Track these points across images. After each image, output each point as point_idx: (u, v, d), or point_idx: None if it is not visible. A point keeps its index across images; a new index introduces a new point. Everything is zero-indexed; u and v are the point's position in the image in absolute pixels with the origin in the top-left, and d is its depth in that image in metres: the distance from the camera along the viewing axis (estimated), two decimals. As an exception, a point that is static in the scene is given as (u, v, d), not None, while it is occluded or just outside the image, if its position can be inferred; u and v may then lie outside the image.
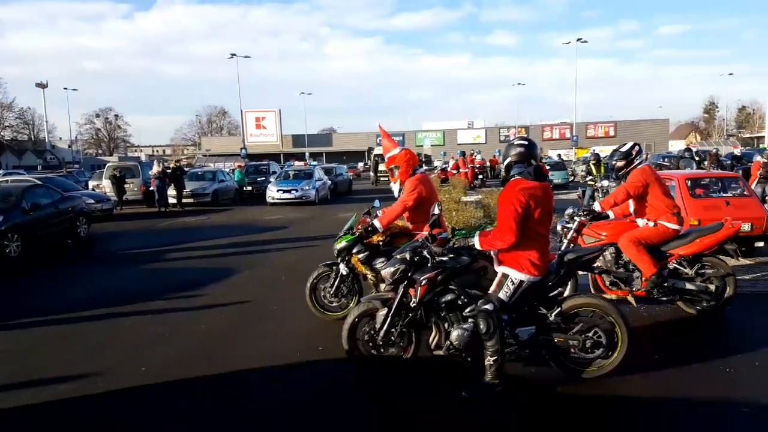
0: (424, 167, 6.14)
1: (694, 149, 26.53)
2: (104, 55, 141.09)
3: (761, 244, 8.87)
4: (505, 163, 4.28)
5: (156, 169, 20.71)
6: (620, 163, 6.15)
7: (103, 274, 9.67)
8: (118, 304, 7.31)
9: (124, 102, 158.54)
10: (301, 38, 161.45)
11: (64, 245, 12.86)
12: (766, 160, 13.38)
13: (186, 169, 25.51)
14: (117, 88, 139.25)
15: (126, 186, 21.13)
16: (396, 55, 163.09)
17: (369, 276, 5.69)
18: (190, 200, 21.99)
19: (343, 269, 5.98)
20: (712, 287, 5.86)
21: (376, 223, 5.62)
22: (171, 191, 21.03)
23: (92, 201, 17.31)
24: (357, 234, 5.79)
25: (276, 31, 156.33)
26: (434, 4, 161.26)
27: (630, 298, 4.34)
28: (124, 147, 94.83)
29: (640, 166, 6.08)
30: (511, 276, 4.13)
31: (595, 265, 4.56)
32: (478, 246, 4.20)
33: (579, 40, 52.69)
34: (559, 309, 4.26)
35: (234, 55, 52.55)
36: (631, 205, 6.14)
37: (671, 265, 5.93)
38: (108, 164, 24.43)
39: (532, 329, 4.20)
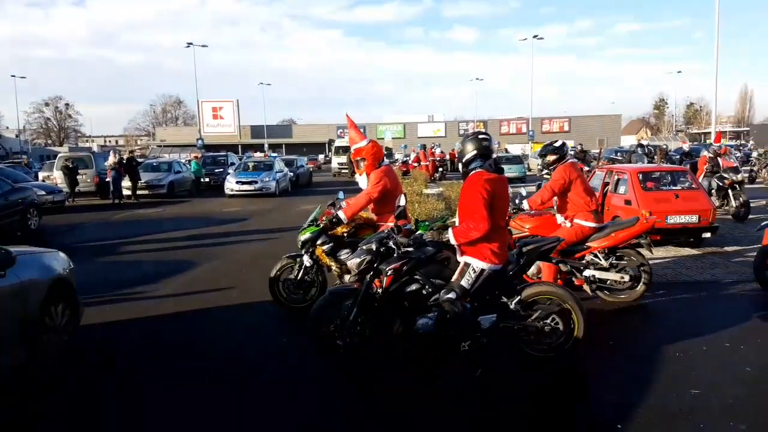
0: (386, 160, 6.17)
1: (645, 144, 27.39)
2: (55, 43, 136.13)
3: (708, 234, 9.27)
4: (468, 156, 4.37)
5: (112, 159, 20.16)
6: (552, 158, 6.40)
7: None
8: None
9: (76, 90, 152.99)
10: (260, 28, 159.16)
11: (14, 238, 12.42)
12: (712, 155, 13.95)
13: (140, 160, 24.94)
14: (68, 77, 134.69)
15: (79, 177, 20.51)
16: (357, 48, 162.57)
17: (333, 267, 5.72)
18: (145, 192, 21.51)
19: (306, 261, 5.99)
20: (627, 278, 6.15)
21: (341, 214, 5.64)
22: (125, 182, 20.53)
23: (43, 192, 16.79)
24: (321, 225, 5.81)
25: (235, 21, 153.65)
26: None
27: (585, 287, 4.51)
28: (75, 137, 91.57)
29: (564, 163, 6.32)
30: (472, 265, 4.24)
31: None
32: (453, 241, 4.26)
33: (535, 37, 53.52)
34: (519, 297, 4.41)
35: (191, 44, 51.39)
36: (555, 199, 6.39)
37: (588, 257, 6.22)
38: (59, 155, 23.61)
39: (494, 317, 4.32)
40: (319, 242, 5.77)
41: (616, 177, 10.11)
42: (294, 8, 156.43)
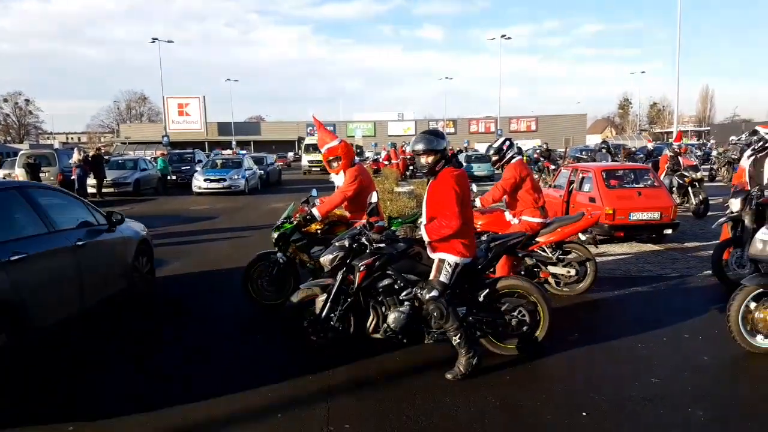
0: (357, 159, 6.23)
1: (610, 142, 28.02)
2: (14, 36, 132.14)
3: (670, 231, 9.59)
4: (432, 157, 4.35)
5: (76, 156, 19.76)
6: (494, 158, 6.62)
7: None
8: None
9: (37, 86, 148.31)
10: (227, 23, 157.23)
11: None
12: (673, 154, 14.37)
13: (106, 157, 24.49)
14: (28, 72, 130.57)
15: (42, 175, 20.02)
16: (326, 44, 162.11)
17: (307, 264, 5.78)
18: (111, 189, 21.15)
19: (280, 257, 6.03)
20: (573, 272, 6.43)
21: (315, 211, 5.69)
22: (90, 180, 20.14)
23: None
24: (295, 222, 5.85)
25: (201, 16, 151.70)
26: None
27: (550, 280, 4.69)
28: (36, 134, 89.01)
29: (513, 161, 6.52)
30: (447, 260, 4.35)
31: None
32: (426, 239, 4.35)
33: (503, 36, 54.19)
34: (488, 290, 4.55)
35: (156, 39, 50.50)
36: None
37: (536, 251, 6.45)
38: (21, 152, 23.01)
39: (464, 309, 4.45)
40: (292, 239, 5.81)
41: (581, 175, 10.36)
42: (261, 4, 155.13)
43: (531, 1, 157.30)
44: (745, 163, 7.30)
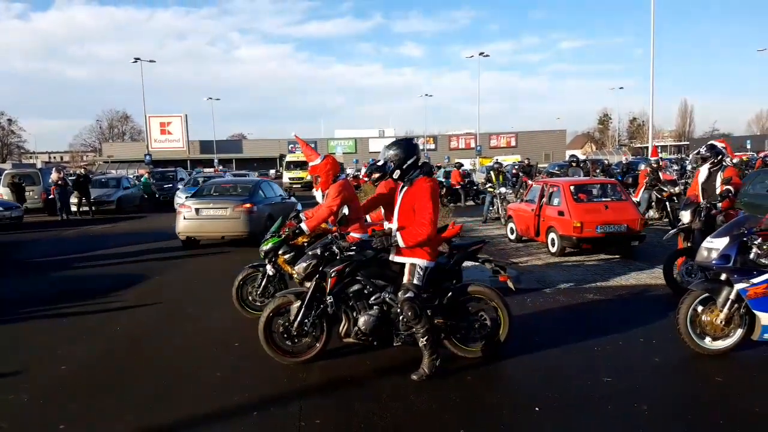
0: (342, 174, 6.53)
1: (582, 158, 28.62)
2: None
3: (636, 243, 10.00)
4: (407, 164, 4.62)
5: (55, 176, 19.86)
6: (376, 175, 5.92)
7: (10, 281, 9.40)
8: (29, 308, 7.30)
9: (18, 105, 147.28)
10: (209, 42, 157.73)
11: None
12: (651, 169, 14.74)
13: (90, 176, 24.55)
14: (10, 91, 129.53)
15: (26, 194, 20.11)
16: (307, 62, 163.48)
17: (294, 276, 6.06)
18: (93, 208, 21.22)
19: (269, 270, 6.32)
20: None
21: (303, 226, 5.94)
22: (73, 199, 20.23)
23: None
24: (283, 236, 6.15)
25: (182, 35, 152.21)
26: (345, 14, 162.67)
27: (510, 284, 5.03)
28: (18, 153, 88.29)
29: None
30: (418, 264, 4.65)
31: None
32: (402, 245, 4.59)
33: (482, 54, 55.28)
34: (451, 294, 4.88)
35: (138, 59, 50.75)
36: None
37: None
38: (6, 171, 23.03)
39: (428, 312, 4.76)
40: (280, 252, 6.10)
41: (550, 190, 10.79)
42: (243, 22, 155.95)
43: (510, 19, 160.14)
44: (701, 176, 7.73)
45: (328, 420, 4.03)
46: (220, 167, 50.10)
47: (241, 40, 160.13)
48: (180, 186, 24.30)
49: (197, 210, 12.06)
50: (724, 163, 7.43)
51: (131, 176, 29.80)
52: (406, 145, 4.71)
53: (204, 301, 7.54)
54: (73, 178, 20.74)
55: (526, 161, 26.00)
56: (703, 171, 7.63)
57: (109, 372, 5.09)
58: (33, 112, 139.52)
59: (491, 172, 16.83)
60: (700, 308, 5.07)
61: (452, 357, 5.00)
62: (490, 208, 15.96)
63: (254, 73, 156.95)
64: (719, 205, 7.24)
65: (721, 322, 4.95)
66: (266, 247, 6.21)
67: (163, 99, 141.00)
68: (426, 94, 78.12)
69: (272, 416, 4.10)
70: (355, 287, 4.80)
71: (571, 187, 10.33)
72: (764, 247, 4.82)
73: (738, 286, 4.81)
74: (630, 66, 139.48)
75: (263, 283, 6.42)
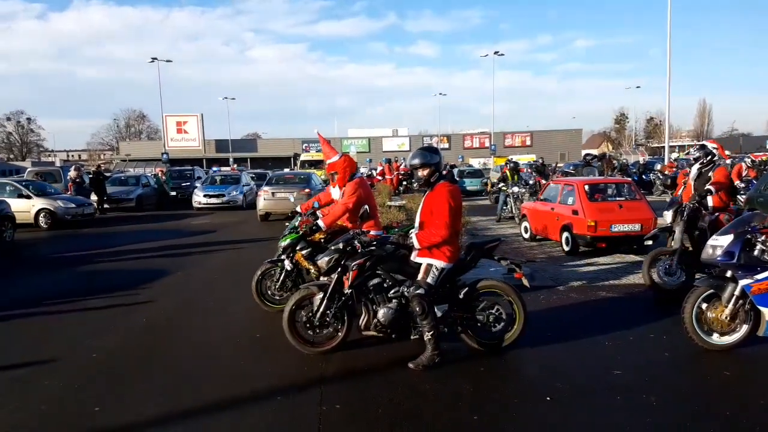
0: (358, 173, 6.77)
1: (603, 154, 28.58)
2: (15, 56, 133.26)
3: (650, 242, 10.08)
4: (428, 170, 4.92)
5: (73, 174, 20.30)
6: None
7: (36, 275, 9.74)
8: (57, 301, 7.59)
9: (38, 105, 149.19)
10: (223, 42, 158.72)
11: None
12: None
13: (107, 174, 25.00)
14: (30, 91, 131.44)
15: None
16: (320, 62, 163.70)
17: (312, 270, 6.28)
18: (114, 205, 21.65)
19: (287, 265, 6.54)
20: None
21: (320, 222, 6.17)
22: (92, 197, 20.64)
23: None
24: (301, 233, 6.37)
25: (197, 35, 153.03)
26: (358, 13, 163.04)
27: (524, 281, 5.18)
28: (38, 152, 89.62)
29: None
30: (435, 265, 4.89)
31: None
32: (418, 246, 4.85)
33: (496, 53, 55.15)
34: (467, 289, 5.07)
35: (155, 59, 51.31)
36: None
37: None
38: (29, 169, 23.66)
39: (445, 306, 4.97)
40: (298, 248, 6.32)
41: (566, 189, 10.90)
42: (257, 23, 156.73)
43: (523, 18, 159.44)
44: (691, 176, 7.79)
45: (348, 406, 4.23)
46: (235, 166, 50.49)
47: (254, 40, 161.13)
48: (198, 184, 24.64)
49: (273, 193, 17.12)
50: (716, 163, 7.46)
51: (149, 174, 30.20)
52: (428, 153, 4.99)
53: (225, 294, 7.78)
54: (91, 175, 21.13)
55: (540, 160, 26.06)
56: (693, 171, 7.70)
57: (138, 360, 5.34)
58: (51, 111, 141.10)
59: (506, 172, 16.95)
60: (704, 305, 5.19)
61: (467, 349, 5.19)
62: (504, 207, 16.08)
63: (268, 73, 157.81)
64: (709, 204, 7.26)
65: (726, 317, 5.07)
66: (285, 242, 6.43)
67: (179, 98, 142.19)
68: (440, 93, 78.17)
69: (295, 401, 4.32)
70: (375, 281, 5.02)
71: (586, 187, 10.44)
72: None
73: (742, 282, 4.92)
74: (647, 64, 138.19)
75: (281, 278, 6.65)
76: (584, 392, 4.42)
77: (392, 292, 5.01)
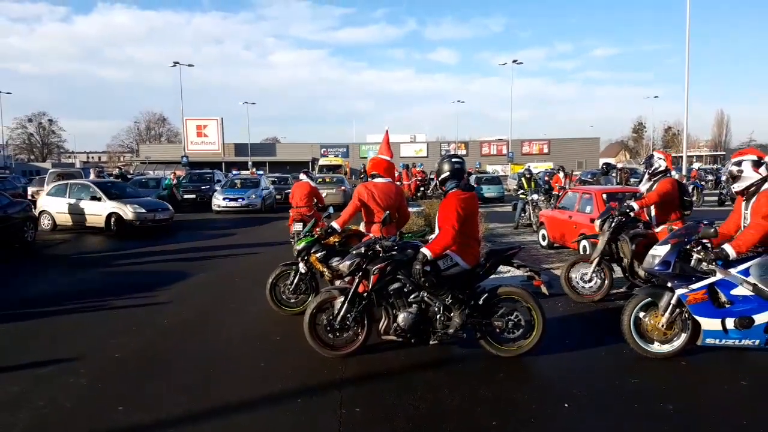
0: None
1: (619, 165, 28.42)
2: (40, 58, 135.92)
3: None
4: (443, 175, 5.22)
5: (93, 176, 20.60)
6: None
7: (59, 275, 9.93)
8: (79, 301, 7.75)
9: (60, 106, 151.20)
10: (244, 47, 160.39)
11: (13, 250, 12.85)
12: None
13: (129, 176, 25.35)
14: (52, 92, 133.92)
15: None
16: (340, 67, 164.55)
17: (325, 273, 6.36)
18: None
19: (302, 268, 6.62)
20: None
21: (335, 224, 6.22)
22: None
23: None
24: (316, 236, 6.46)
25: (219, 39, 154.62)
26: (379, 20, 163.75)
27: (543, 289, 5.22)
28: (58, 153, 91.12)
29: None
30: (451, 256, 5.07)
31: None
32: (430, 256, 4.91)
33: (515, 61, 55.21)
34: (487, 295, 5.13)
35: (177, 63, 52.12)
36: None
37: None
38: (50, 170, 23.96)
39: (466, 311, 5.02)
40: (313, 251, 6.41)
41: (584, 198, 10.90)
42: (278, 28, 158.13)
43: (543, 25, 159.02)
44: (643, 187, 7.71)
45: (368, 410, 4.28)
46: (255, 170, 50.92)
47: (276, 45, 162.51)
48: (217, 187, 24.87)
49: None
50: (665, 175, 7.38)
51: (169, 177, 30.54)
52: (446, 161, 5.27)
53: (245, 296, 7.88)
54: (111, 177, 21.42)
55: (558, 169, 26.00)
56: (645, 182, 7.65)
57: (160, 360, 5.45)
58: (72, 112, 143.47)
59: (522, 179, 16.94)
60: (642, 313, 5.27)
61: (485, 356, 5.23)
62: (522, 215, 16.07)
63: (288, 78, 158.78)
64: (635, 207, 7.18)
65: (662, 326, 5.14)
66: (300, 246, 6.52)
67: (199, 102, 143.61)
68: (458, 100, 78.24)
69: (315, 403, 4.39)
70: (396, 285, 5.09)
71: (603, 195, 10.43)
72: (702, 254, 5.00)
73: (678, 292, 5.02)
74: (665, 74, 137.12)
75: (295, 281, 6.72)
76: (601, 399, 4.44)
77: (412, 296, 5.07)
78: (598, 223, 7.54)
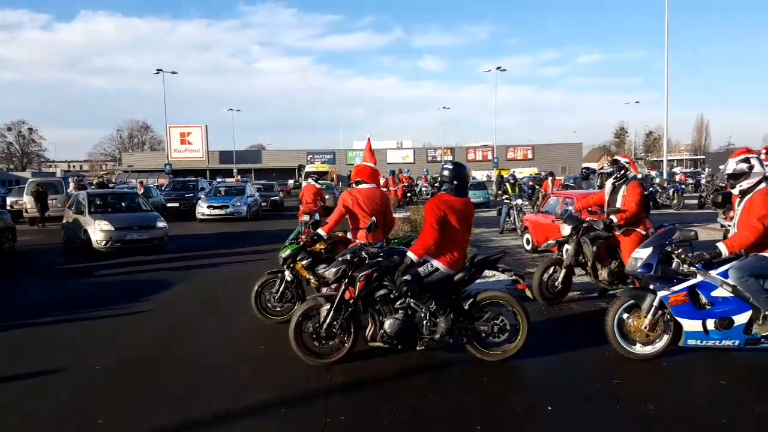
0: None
1: (599, 169, 28.62)
2: (21, 66, 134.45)
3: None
4: (438, 181, 5.23)
5: (73, 186, 20.38)
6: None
7: (39, 285, 9.82)
8: (60, 311, 7.67)
9: (40, 114, 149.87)
10: (230, 54, 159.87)
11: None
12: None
13: (110, 185, 25.12)
14: (32, 100, 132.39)
15: (49, 202, 20.62)
16: (326, 74, 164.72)
17: (312, 281, 6.34)
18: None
19: (288, 275, 6.58)
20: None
21: (321, 231, 6.19)
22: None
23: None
24: (302, 243, 6.44)
25: (205, 47, 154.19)
26: (365, 28, 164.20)
27: (528, 293, 5.27)
28: (38, 162, 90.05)
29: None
30: (430, 262, 5.07)
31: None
32: (414, 258, 4.99)
33: (498, 68, 55.68)
34: (472, 300, 5.16)
35: (160, 70, 51.77)
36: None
37: None
38: (30, 180, 23.58)
39: (451, 316, 5.05)
40: (299, 258, 6.39)
41: (566, 202, 10.99)
42: (265, 35, 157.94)
43: (528, 33, 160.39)
44: (606, 191, 7.73)
45: (353, 417, 4.28)
46: (239, 177, 50.72)
47: (261, 53, 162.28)
48: (201, 195, 24.73)
49: None
50: (628, 178, 7.47)
51: (153, 185, 30.34)
52: (443, 167, 5.37)
53: (228, 306, 7.84)
54: (93, 187, 21.20)
55: (543, 174, 26.20)
56: (608, 186, 7.67)
57: (142, 371, 5.39)
58: (53, 121, 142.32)
59: (507, 184, 17.06)
60: (625, 315, 5.34)
61: (470, 360, 5.25)
62: (507, 219, 16.17)
63: (274, 85, 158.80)
64: (615, 220, 7.24)
65: (645, 327, 5.21)
66: (285, 253, 6.49)
67: (183, 109, 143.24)
68: (444, 107, 78.47)
69: (299, 412, 4.38)
70: (382, 292, 5.11)
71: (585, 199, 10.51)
72: (683, 256, 5.09)
73: (660, 294, 5.09)
74: (647, 80, 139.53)
75: (281, 289, 6.67)
76: (585, 401, 4.48)
77: (398, 303, 5.08)
78: (567, 228, 7.56)
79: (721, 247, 4.99)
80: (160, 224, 14.03)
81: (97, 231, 12.99)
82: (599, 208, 7.77)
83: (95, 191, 17.66)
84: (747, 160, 5.18)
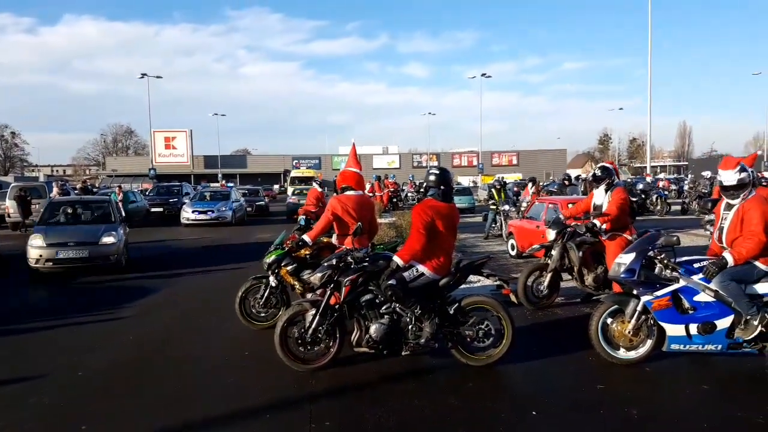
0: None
1: (582, 176, 28.88)
2: (3, 69, 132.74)
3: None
4: (424, 186, 5.32)
5: (56, 191, 20.15)
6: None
7: (19, 291, 9.69)
8: (41, 318, 7.58)
9: (23, 118, 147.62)
10: (216, 59, 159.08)
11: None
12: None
13: (94, 190, 24.86)
14: (14, 104, 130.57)
15: (33, 207, 20.31)
16: (313, 80, 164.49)
17: (297, 286, 6.32)
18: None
19: (272, 281, 6.54)
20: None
21: (306, 237, 6.17)
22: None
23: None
24: (286, 249, 6.41)
25: (190, 51, 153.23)
26: (351, 33, 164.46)
27: (512, 297, 5.30)
28: (21, 166, 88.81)
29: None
30: (416, 267, 5.08)
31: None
32: (400, 263, 5.01)
33: (483, 75, 56.12)
34: (458, 305, 5.17)
35: (145, 75, 51.32)
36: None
37: None
38: (12, 184, 23.22)
39: (436, 321, 5.06)
40: (283, 263, 6.36)
41: (550, 208, 11.09)
42: (250, 40, 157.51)
43: (513, 40, 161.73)
44: (596, 196, 7.74)
45: (338, 423, 4.26)
46: (224, 181, 50.45)
47: (247, 58, 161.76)
48: (186, 200, 24.56)
49: None
50: (614, 184, 7.50)
51: (136, 190, 30.06)
52: (428, 173, 5.37)
53: (213, 312, 7.77)
54: (76, 192, 20.95)
55: (529, 180, 26.37)
56: (599, 192, 7.72)
57: (125, 377, 5.34)
58: (36, 125, 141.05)
59: (493, 190, 17.14)
60: (610, 320, 5.38)
61: (456, 365, 5.26)
62: (493, 225, 16.23)
63: (260, 90, 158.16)
64: (602, 225, 7.30)
65: (629, 332, 5.26)
66: (270, 259, 6.46)
67: (168, 114, 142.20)
68: (429, 113, 78.89)
69: (284, 418, 4.35)
70: (368, 296, 5.11)
71: (569, 205, 10.59)
72: (665, 261, 5.15)
73: (644, 299, 5.15)
74: (631, 87, 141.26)
75: (266, 294, 6.63)
76: (570, 406, 4.51)
77: (384, 308, 5.08)
78: (552, 233, 7.61)
79: (728, 257, 4.98)
80: (107, 239, 11.00)
81: (29, 248, 10.71)
82: (584, 213, 7.82)
83: (58, 198, 15.69)
84: (744, 169, 5.13)
